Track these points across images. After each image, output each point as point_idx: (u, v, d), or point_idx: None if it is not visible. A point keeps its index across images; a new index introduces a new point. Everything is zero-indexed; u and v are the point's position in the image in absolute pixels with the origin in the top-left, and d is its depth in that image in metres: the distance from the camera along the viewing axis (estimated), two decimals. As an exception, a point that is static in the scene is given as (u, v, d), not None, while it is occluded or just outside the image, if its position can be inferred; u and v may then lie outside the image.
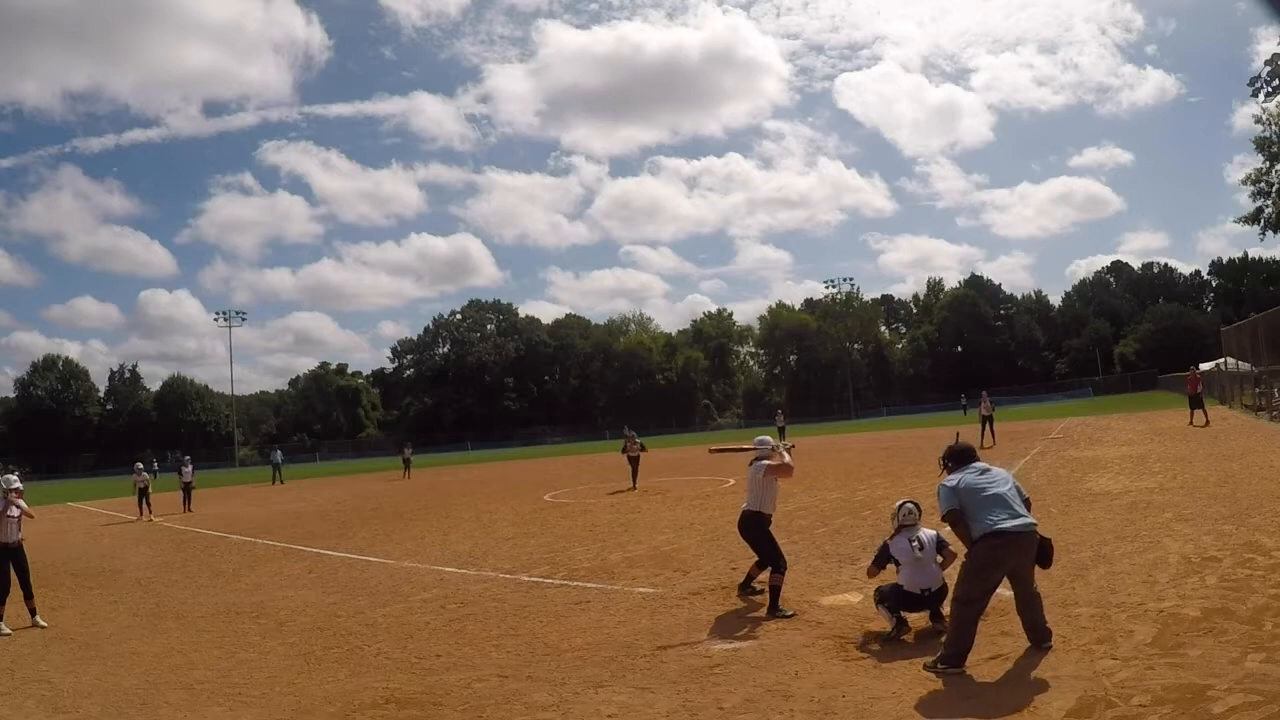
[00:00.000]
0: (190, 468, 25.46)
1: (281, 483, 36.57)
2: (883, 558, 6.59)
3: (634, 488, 20.00)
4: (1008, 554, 5.22)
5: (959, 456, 5.74)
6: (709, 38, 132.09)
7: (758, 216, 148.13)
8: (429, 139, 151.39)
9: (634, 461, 20.95)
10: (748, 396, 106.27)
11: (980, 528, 5.24)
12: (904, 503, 6.76)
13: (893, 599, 6.21)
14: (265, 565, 12.40)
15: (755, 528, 7.51)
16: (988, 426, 24.52)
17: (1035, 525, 5.36)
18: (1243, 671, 4.67)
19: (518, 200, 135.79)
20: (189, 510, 23.48)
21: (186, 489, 24.65)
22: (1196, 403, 24.39)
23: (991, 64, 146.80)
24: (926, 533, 6.49)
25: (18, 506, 9.03)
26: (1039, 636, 5.44)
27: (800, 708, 4.86)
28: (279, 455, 39.84)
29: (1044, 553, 5.38)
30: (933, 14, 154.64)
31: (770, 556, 7.34)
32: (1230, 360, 30.96)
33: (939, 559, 6.37)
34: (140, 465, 24.12)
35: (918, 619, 6.28)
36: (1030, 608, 5.44)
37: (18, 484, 9.15)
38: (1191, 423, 23.76)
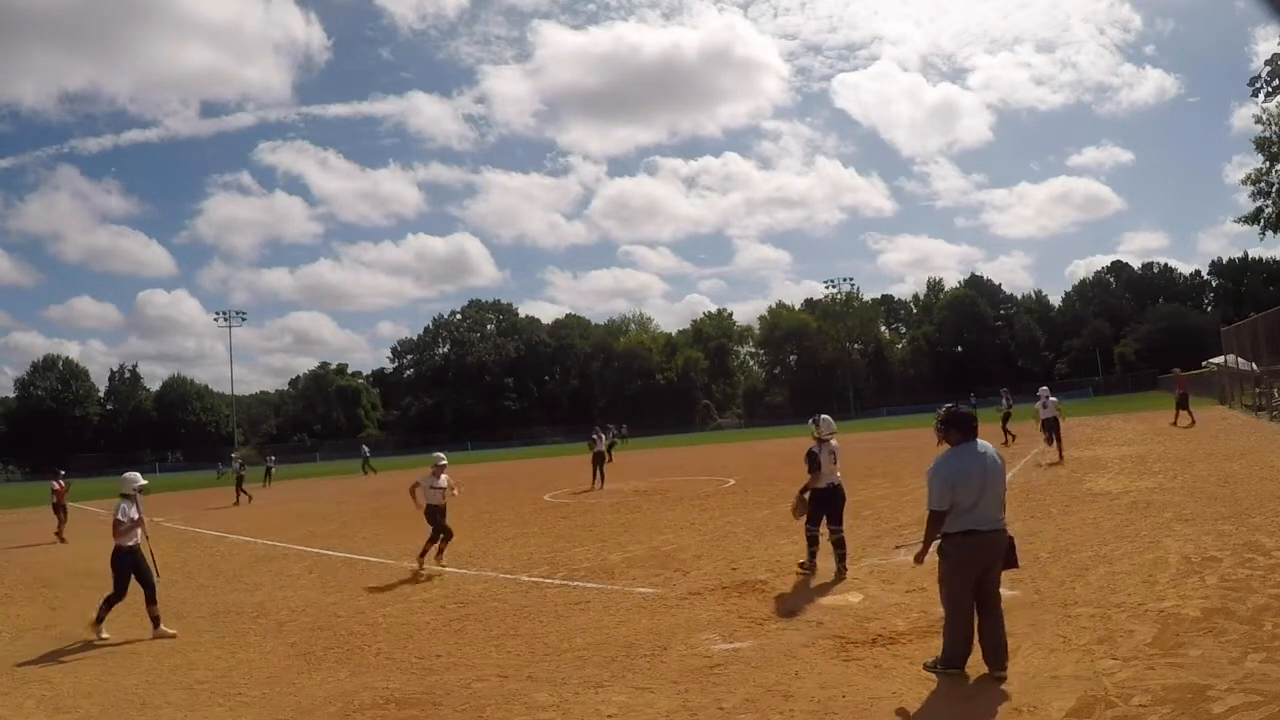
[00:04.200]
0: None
1: (374, 472, 38.54)
2: (814, 464, 8.45)
3: (599, 487, 20.70)
4: (979, 552, 5.02)
5: (961, 424, 5.22)
6: (706, 38, 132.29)
7: (756, 216, 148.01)
8: (427, 139, 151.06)
9: (599, 459, 21.72)
10: (748, 396, 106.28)
11: (955, 524, 5.03)
12: (824, 416, 8.85)
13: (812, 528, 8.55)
14: (265, 565, 12.40)
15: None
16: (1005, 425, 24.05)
17: (1003, 524, 5.15)
18: (1243, 671, 4.67)
19: (516, 200, 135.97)
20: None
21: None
22: (1183, 403, 24.56)
23: (989, 63, 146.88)
24: (836, 446, 8.66)
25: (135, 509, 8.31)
26: (998, 658, 5.05)
27: (800, 708, 4.86)
28: (366, 450, 42.34)
29: (1010, 552, 5.16)
30: (930, 14, 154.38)
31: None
32: (1233, 358, 30.90)
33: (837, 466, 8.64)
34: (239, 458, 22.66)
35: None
36: (992, 618, 5.09)
37: (141, 481, 8.56)
38: (1175, 423, 23.89)
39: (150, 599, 8.06)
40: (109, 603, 8.04)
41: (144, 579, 8.10)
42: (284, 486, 35.13)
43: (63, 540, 17.02)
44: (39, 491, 44.89)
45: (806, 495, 8.61)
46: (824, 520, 8.56)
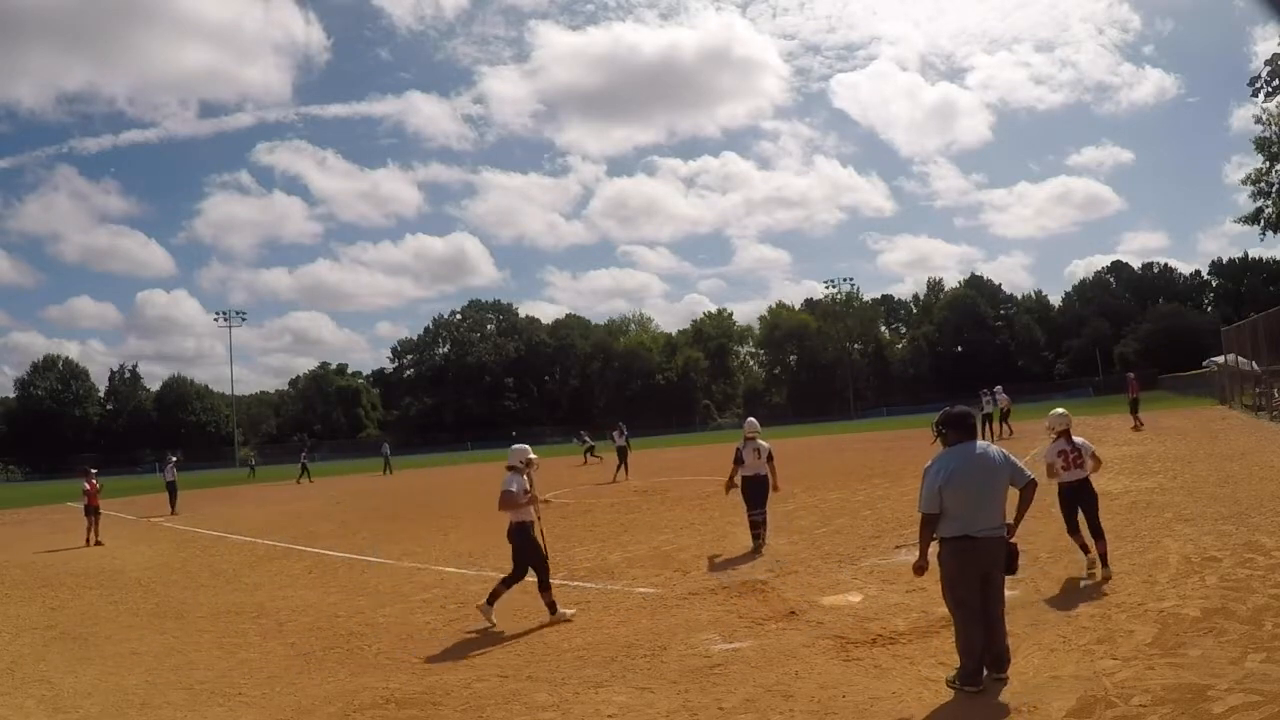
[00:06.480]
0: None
1: (390, 473, 37.80)
2: (737, 458, 10.33)
3: (614, 480, 22.79)
4: (976, 558, 4.86)
5: (957, 424, 5.06)
6: (704, 38, 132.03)
7: (756, 216, 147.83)
8: (426, 139, 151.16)
9: (621, 453, 24.21)
10: (748, 396, 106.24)
11: (950, 529, 4.87)
12: (750, 420, 10.74)
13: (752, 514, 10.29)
14: (265, 565, 12.39)
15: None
16: (1001, 423, 25.47)
17: (1003, 529, 4.93)
18: (1243, 671, 4.67)
19: (515, 200, 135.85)
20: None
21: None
22: (1134, 407, 24.55)
23: (988, 63, 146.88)
24: (764, 445, 10.33)
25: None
26: (999, 661, 4.93)
27: (800, 708, 4.86)
28: (387, 448, 42.94)
29: (1010, 558, 4.98)
30: (929, 13, 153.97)
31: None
32: (1233, 358, 30.88)
33: (767, 463, 10.28)
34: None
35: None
36: (992, 625, 4.91)
37: (532, 455, 7.97)
38: (1134, 427, 23.83)
39: (544, 583, 7.49)
40: (509, 583, 7.49)
41: (537, 561, 7.55)
42: (315, 483, 35.00)
43: (98, 543, 16.30)
44: (39, 491, 44.93)
45: (736, 479, 10.46)
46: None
